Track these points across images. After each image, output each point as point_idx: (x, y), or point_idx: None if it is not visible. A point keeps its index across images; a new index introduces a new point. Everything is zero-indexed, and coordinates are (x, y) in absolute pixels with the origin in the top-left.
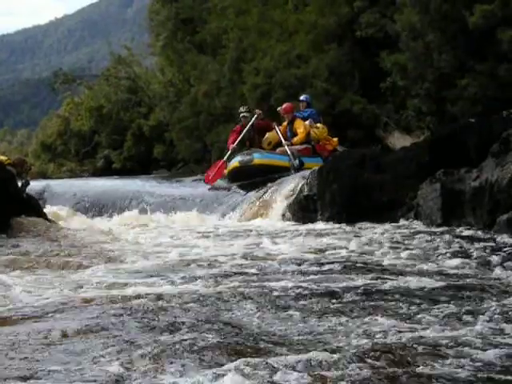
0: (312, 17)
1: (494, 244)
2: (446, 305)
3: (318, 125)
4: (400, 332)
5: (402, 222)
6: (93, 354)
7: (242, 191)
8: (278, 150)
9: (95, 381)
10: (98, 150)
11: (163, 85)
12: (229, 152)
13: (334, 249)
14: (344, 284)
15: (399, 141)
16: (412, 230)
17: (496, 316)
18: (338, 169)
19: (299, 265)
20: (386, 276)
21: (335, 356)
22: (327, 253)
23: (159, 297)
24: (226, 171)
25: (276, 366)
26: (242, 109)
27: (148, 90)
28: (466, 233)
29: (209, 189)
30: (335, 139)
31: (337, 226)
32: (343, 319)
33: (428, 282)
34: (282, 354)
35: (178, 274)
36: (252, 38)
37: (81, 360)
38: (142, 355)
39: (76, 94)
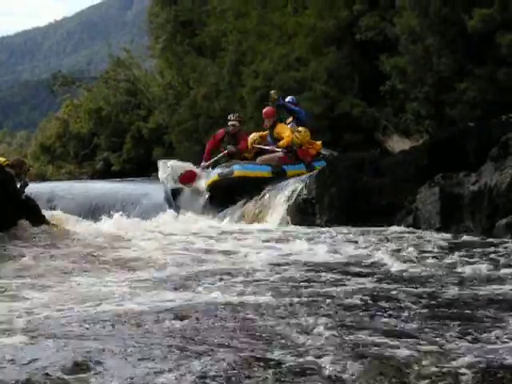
0: (311, 20)
1: (491, 249)
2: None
3: (300, 128)
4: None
5: (401, 225)
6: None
7: None
8: (258, 159)
9: None
10: (97, 153)
11: (162, 87)
12: (207, 162)
13: (332, 252)
14: (343, 288)
15: (398, 144)
16: (411, 234)
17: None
18: (337, 172)
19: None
20: (387, 281)
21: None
22: (326, 257)
23: (191, 308)
24: (204, 183)
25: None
26: (231, 116)
27: (147, 92)
28: (465, 237)
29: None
30: (318, 142)
31: (335, 229)
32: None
33: (430, 288)
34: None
35: (201, 281)
36: (251, 41)
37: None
38: (181, 374)
39: (75, 96)
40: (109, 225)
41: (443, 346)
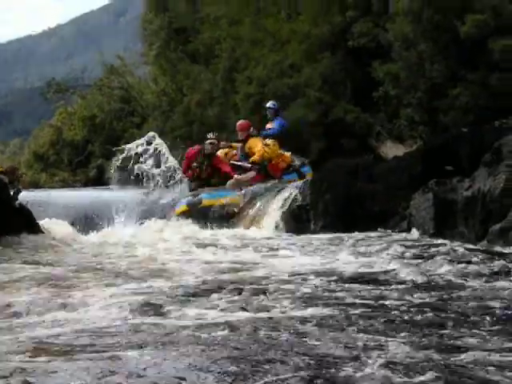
0: (305, 26)
1: (484, 254)
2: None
3: (269, 141)
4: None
5: (396, 231)
6: None
7: None
8: (228, 184)
9: None
10: (90, 160)
11: (156, 94)
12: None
13: (327, 259)
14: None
15: (391, 150)
16: (405, 241)
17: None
18: (331, 178)
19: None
20: (383, 287)
21: None
22: (321, 264)
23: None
24: (174, 212)
25: None
26: (210, 135)
27: (141, 99)
28: (458, 243)
29: None
30: (288, 154)
31: (330, 235)
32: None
33: (425, 294)
34: None
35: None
36: (245, 48)
37: None
38: None
39: (69, 103)
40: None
41: None
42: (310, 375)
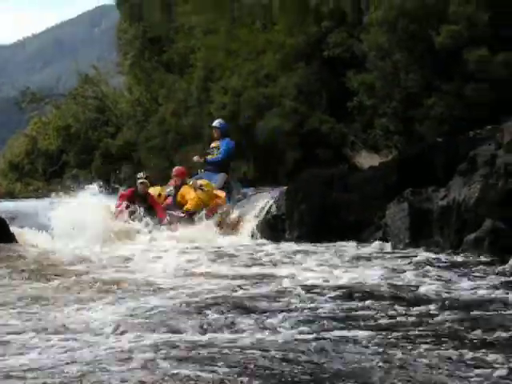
0: (280, 36)
1: (457, 263)
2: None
3: (201, 182)
4: None
5: (371, 241)
6: None
7: None
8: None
9: None
10: (65, 170)
11: (131, 104)
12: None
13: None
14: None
15: (366, 160)
16: (379, 250)
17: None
18: (307, 189)
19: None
20: (358, 298)
21: None
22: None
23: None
24: None
25: None
26: (140, 174)
27: (115, 109)
28: (434, 252)
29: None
30: (221, 193)
31: (304, 245)
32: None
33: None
34: None
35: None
36: (219, 57)
37: None
38: None
39: (43, 113)
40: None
41: None
42: None
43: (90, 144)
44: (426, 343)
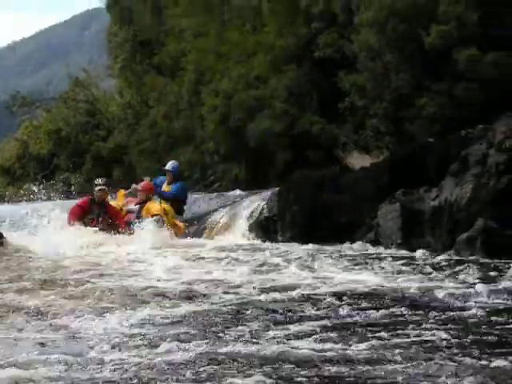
0: (270, 38)
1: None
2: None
3: (165, 206)
4: None
5: (363, 242)
6: None
7: None
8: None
9: None
10: (56, 173)
11: (122, 107)
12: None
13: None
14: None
15: (358, 161)
16: (371, 250)
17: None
18: (298, 190)
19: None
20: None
21: None
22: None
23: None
24: None
25: None
26: (98, 181)
27: (106, 112)
28: (426, 253)
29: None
30: (181, 224)
31: (296, 246)
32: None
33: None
34: None
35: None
36: (210, 60)
37: None
38: None
39: (34, 117)
40: None
41: None
42: None
43: (81, 147)
44: (426, 345)
